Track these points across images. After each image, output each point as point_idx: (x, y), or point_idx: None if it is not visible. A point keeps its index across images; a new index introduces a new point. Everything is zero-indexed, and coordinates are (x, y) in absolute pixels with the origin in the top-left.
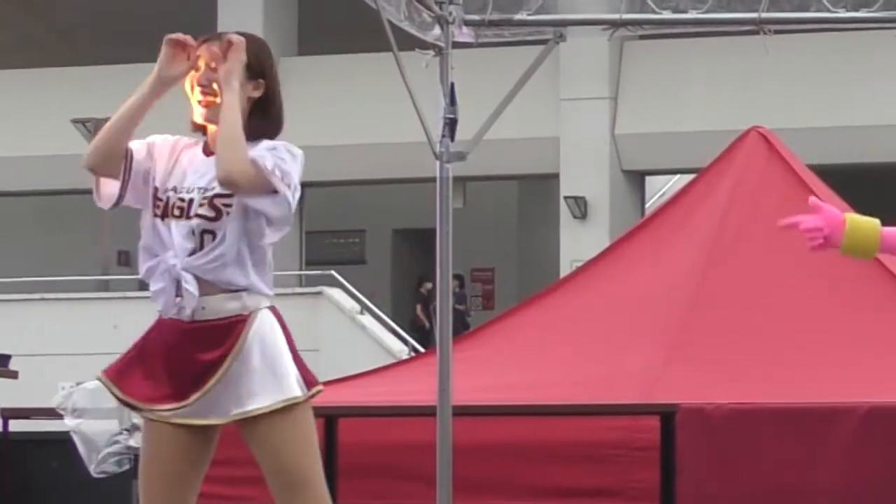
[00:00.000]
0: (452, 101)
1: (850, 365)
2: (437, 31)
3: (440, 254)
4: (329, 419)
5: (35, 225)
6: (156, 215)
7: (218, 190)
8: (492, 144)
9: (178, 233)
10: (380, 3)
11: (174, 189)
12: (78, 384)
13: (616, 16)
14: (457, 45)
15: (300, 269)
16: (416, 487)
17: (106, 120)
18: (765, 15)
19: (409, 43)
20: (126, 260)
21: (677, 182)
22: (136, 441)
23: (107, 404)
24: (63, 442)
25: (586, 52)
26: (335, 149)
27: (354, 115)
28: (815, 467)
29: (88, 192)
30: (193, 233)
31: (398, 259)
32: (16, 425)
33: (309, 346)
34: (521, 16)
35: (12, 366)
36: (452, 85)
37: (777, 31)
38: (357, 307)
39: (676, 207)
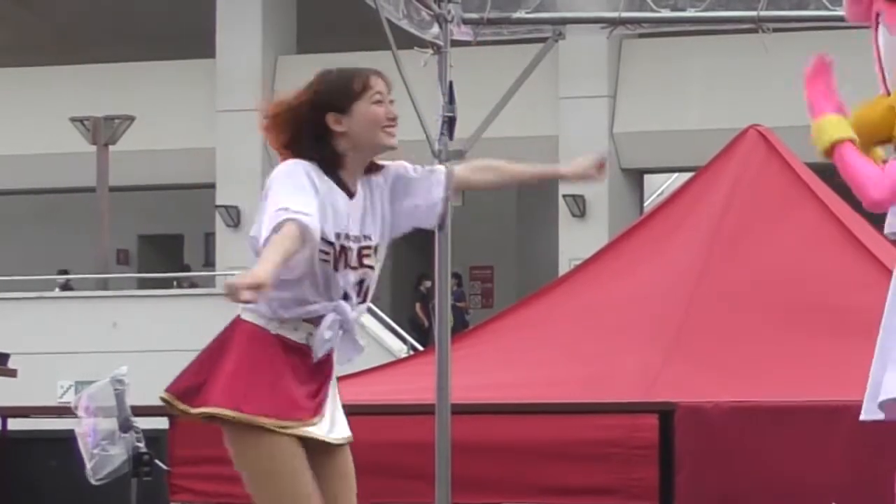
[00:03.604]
0: (451, 99)
1: (848, 363)
2: (435, 29)
3: (439, 252)
4: None
5: (34, 223)
6: (325, 261)
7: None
8: (490, 143)
9: (348, 281)
10: (379, 1)
11: (342, 237)
12: (77, 383)
13: (615, 14)
14: (455, 43)
15: None
16: (416, 486)
17: (106, 119)
18: (763, 13)
19: (408, 41)
20: (125, 258)
21: (676, 180)
22: (137, 441)
23: (105, 406)
24: (62, 441)
25: (585, 51)
26: None
27: None
28: (813, 465)
29: (87, 190)
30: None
31: (397, 257)
32: (15, 424)
33: None
34: (520, 14)
35: (11, 364)
36: (451, 83)
37: (776, 30)
38: None
39: (675, 206)
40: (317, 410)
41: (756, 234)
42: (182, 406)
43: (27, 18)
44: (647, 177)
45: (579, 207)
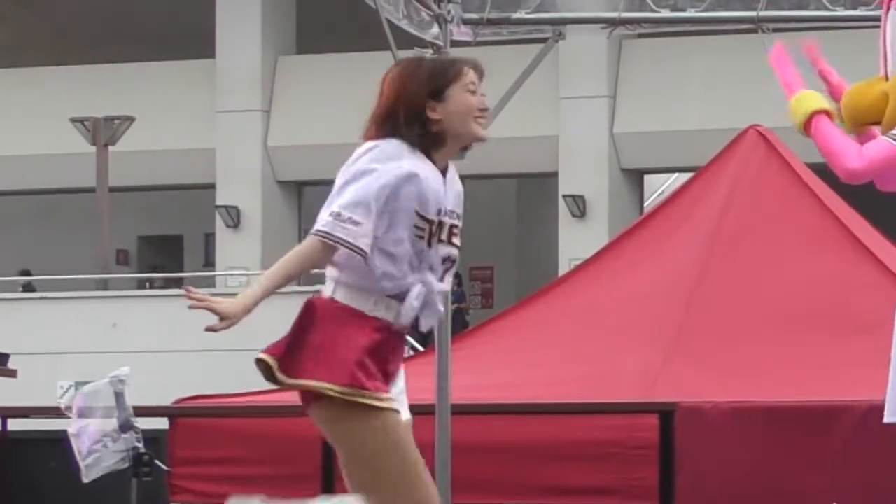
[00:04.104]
0: None
1: (848, 363)
2: (435, 29)
3: None
4: None
5: (33, 224)
6: (420, 237)
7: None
8: (490, 143)
9: (438, 255)
10: (378, 2)
11: (442, 212)
12: (77, 383)
13: (615, 14)
14: (455, 43)
15: None
16: None
17: (105, 119)
18: (763, 13)
19: (408, 42)
20: (125, 259)
21: (676, 180)
22: (137, 441)
23: (103, 407)
24: (62, 441)
25: (585, 51)
26: (333, 147)
27: (353, 114)
28: (813, 466)
29: (87, 190)
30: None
31: None
32: (14, 424)
33: None
34: (520, 14)
35: (11, 365)
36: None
37: (775, 30)
38: None
39: (675, 206)
40: (385, 389)
41: (756, 234)
42: (280, 375)
43: (27, 18)
44: (647, 177)
45: (579, 207)
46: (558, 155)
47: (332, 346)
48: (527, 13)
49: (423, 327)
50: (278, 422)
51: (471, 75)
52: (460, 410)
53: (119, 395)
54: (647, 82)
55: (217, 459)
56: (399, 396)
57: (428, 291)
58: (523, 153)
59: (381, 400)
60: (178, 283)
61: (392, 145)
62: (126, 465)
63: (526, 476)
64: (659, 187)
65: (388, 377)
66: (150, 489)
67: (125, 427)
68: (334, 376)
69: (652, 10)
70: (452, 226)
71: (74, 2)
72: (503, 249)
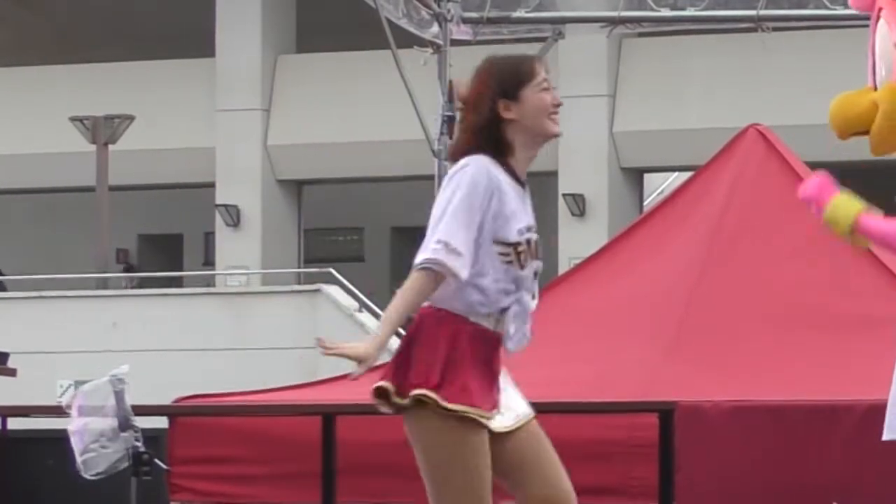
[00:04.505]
0: (450, 98)
1: (849, 362)
2: (435, 28)
3: None
4: (327, 417)
5: (33, 223)
6: (509, 262)
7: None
8: None
9: (530, 273)
10: (378, 1)
11: (522, 231)
12: (77, 382)
13: (614, 13)
14: (455, 42)
15: (299, 267)
16: (415, 485)
17: (105, 118)
18: (763, 12)
19: (408, 40)
20: (125, 258)
21: (676, 179)
22: (137, 440)
23: (103, 405)
24: (61, 440)
25: (585, 50)
26: (333, 146)
27: (353, 113)
28: (814, 465)
29: (87, 189)
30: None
31: (397, 257)
32: (14, 423)
33: (307, 343)
34: (520, 13)
35: (11, 364)
36: (451, 82)
37: (775, 29)
38: (355, 305)
39: (675, 205)
40: (496, 403)
41: (755, 233)
42: (395, 399)
43: (27, 18)
44: (646, 176)
45: (579, 207)
46: (558, 154)
47: (435, 357)
48: (526, 12)
49: (511, 350)
50: (278, 421)
51: (543, 72)
52: None
53: (119, 394)
54: (646, 81)
55: (217, 458)
56: (511, 395)
57: (522, 311)
58: None
59: (479, 414)
60: (178, 282)
61: (480, 167)
62: (125, 464)
63: None
64: (659, 186)
65: (491, 380)
66: (150, 488)
67: (124, 426)
68: (434, 388)
69: (652, 9)
70: (536, 241)
71: (74, 1)
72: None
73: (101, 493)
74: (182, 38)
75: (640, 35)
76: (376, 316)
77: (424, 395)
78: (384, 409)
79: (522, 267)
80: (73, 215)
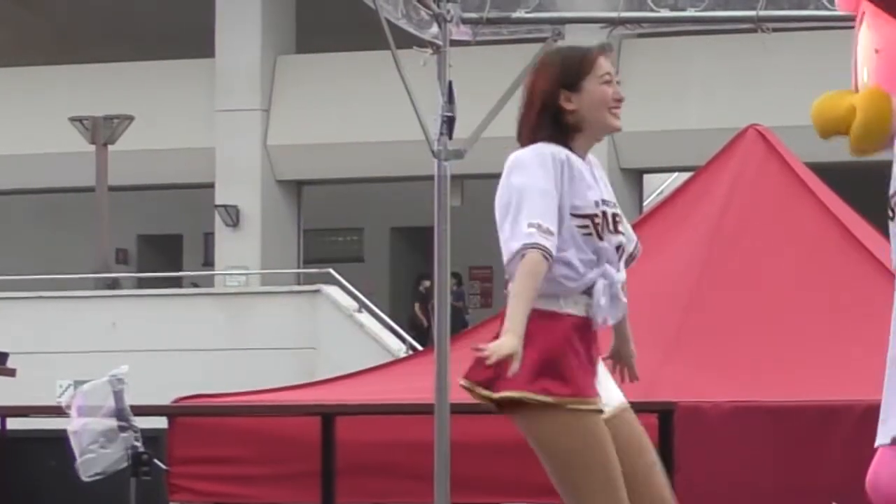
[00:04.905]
0: (450, 99)
1: (848, 363)
2: (434, 29)
3: (438, 252)
4: (326, 417)
5: (33, 223)
6: (588, 234)
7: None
8: (490, 142)
9: (611, 245)
10: (378, 1)
11: (599, 203)
12: (76, 382)
13: (614, 13)
14: (455, 42)
15: (298, 268)
16: (415, 485)
17: (105, 119)
18: (763, 13)
19: (407, 41)
20: (124, 258)
21: (675, 180)
22: (136, 441)
23: (102, 405)
24: (61, 440)
25: None
26: (333, 147)
27: (352, 114)
28: (812, 466)
29: (86, 190)
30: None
31: (396, 257)
32: (14, 423)
33: (307, 343)
34: (519, 13)
35: (10, 364)
36: (450, 83)
37: (775, 29)
38: (355, 305)
39: (674, 205)
40: (595, 390)
41: (755, 233)
42: (483, 392)
43: (26, 18)
44: (646, 176)
45: None
46: None
47: (534, 353)
48: (526, 12)
49: (612, 321)
50: (278, 421)
51: (606, 64)
52: (459, 410)
53: (118, 394)
54: (646, 82)
55: (216, 459)
56: (605, 382)
57: (611, 284)
58: None
59: (583, 402)
60: (177, 282)
61: (540, 150)
62: (125, 464)
63: (525, 476)
64: (658, 187)
65: (588, 370)
66: (149, 488)
67: (124, 426)
68: (535, 384)
69: (651, 10)
70: (614, 214)
71: (74, 1)
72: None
73: (100, 494)
74: (182, 38)
75: (640, 36)
76: (375, 316)
77: (533, 398)
78: (474, 397)
79: (601, 238)
80: (73, 216)
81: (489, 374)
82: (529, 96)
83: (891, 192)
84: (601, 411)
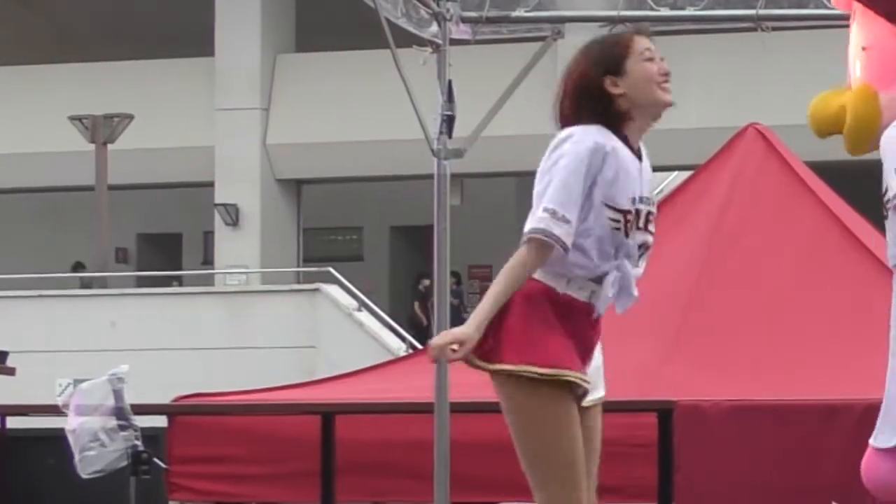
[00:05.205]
0: (450, 97)
1: (848, 362)
2: (434, 27)
3: (438, 251)
4: (326, 416)
5: (33, 222)
6: (616, 229)
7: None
8: (489, 141)
9: (635, 242)
10: (377, 0)
11: (636, 200)
12: (76, 381)
13: (614, 12)
14: (454, 41)
15: (298, 266)
16: (414, 484)
17: (104, 117)
18: (762, 11)
19: (407, 40)
20: (124, 257)
21: (675, 179)
22: (136, 439)
23: (101, 404)
24: (60, 439)
25: None
26: (332, 145)
27: (352, 113)
28: (812, 465)
29: (86, 188)
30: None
31: (396, 256)
32: (13, 422)
33: (306, 342)
34: (519, 12)
35: (10, 363)
36: (450, 82)
37: (775, 28)
38: (355, 304)
39: (674, 204)
40: (583, 366)
41: (755, 232)
42: (479, 362)
43: (26, 17)
44: None
45: None
46: None
47: (525, 326)
48: (526, 11)
49: (619, 310)
50: (277, 420)
51: (644, 42)
52: (459, 409)
53: (117, 393)
54: None
55: (216, 458)
56: (595, 373)
57: (623, 276)
58: (522, 151)
59: (569, 374)
60: (177, 281)
61: (585, 135)
62: (124, 463)
63: (524, 475)
64: (657, 185)
65: (582, 352)
66: (149, 487)
67: (123, 425)
68: (525, 356)
69: (651, 9)
70: (649, 213)
71: (74, 1)
72: (502, 248)
73: (100, 493)
74: (181, 37)
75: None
76: (375, 315)
77: (519, 370)
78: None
79: (628, 235)
80: (73, 214)
81: (486, 345)
82: (567, 85)
83: (882, 190)
84: (582, 386)
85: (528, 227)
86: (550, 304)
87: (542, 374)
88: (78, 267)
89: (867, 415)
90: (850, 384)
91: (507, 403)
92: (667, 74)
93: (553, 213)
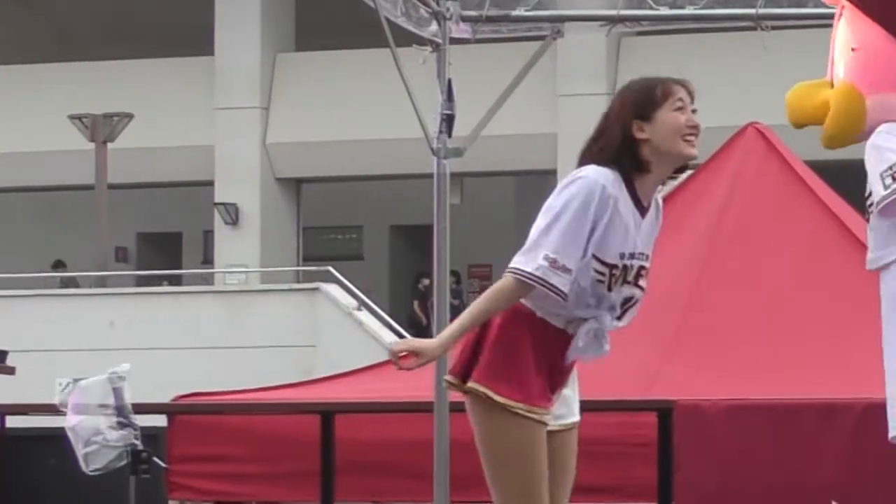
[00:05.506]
0: (450, 96)
1: (847, 361)
2: (434, 27)
3: (437, 250)
4: (326, 415)
5: (33, 221)
6: (600, 282)
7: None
8: (489, 140)
9: (619, 297)
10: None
11: (626, 256)
12: (75, 380)
13: (613, 11)
14: (454, 41)
15: (297, 265)
16: (414, 484)
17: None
18: (762, 11)
19: (407, 39)
20: (124, 256)
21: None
22: (135, 437)
23: (101, 402)
24: (60, 438)
25: (584, 49)
26: (332, 145)
27: (352, 112)
28: (811, 464)
29: (86, 188)
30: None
31: (395, 255)
32: (13, 421)
33: (306, 342)
34: (519, 12)
35: (10, 362)
36: (450, 81)
37: (774, 27)
38: (354, 303)
39: (673, 204)
40: (552, 398)
41: (755, 231)
42: (453, 380)
43: (26, 17)
44: None
45: None
46: (556, 152)
47: (496, 349)
48: (526, 10)
49: (584, 360)
50: (277, 419)
51: (680, 92)
52: (459, 408)
53: (117, 392)
54: None
55: (215, 457)
56: (571, 396)
57: (598, 329)
58: (521, 151)
59: (527, 410)
60: (176, 280)
61: (595, 180)
62: (124, 461)
63: None
64: None
65: (554, 378)
66: (149, 486)
67: (123, 423)
68: (487, 379)
69: (651, 8)
70: (640, 267)
71: (74, 0)
72: (501, 247)
73: (100, 492)
74: (181, 36)
75: (640, 34)
76: (375, 314)
77: (481, 391)
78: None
79: (610, 289)
80: (72, 214)
81: (465, 366)
82: (603, 124)
83: (867, 193)
84: (544, 423)
85: (523, 268)
86: (528, 327)
87: (497, 401)
88: (58, 265)
89: (866, 414)
90: (850, 384)
91: (472, 421)
92: (695, 127)
93: (553, 263)
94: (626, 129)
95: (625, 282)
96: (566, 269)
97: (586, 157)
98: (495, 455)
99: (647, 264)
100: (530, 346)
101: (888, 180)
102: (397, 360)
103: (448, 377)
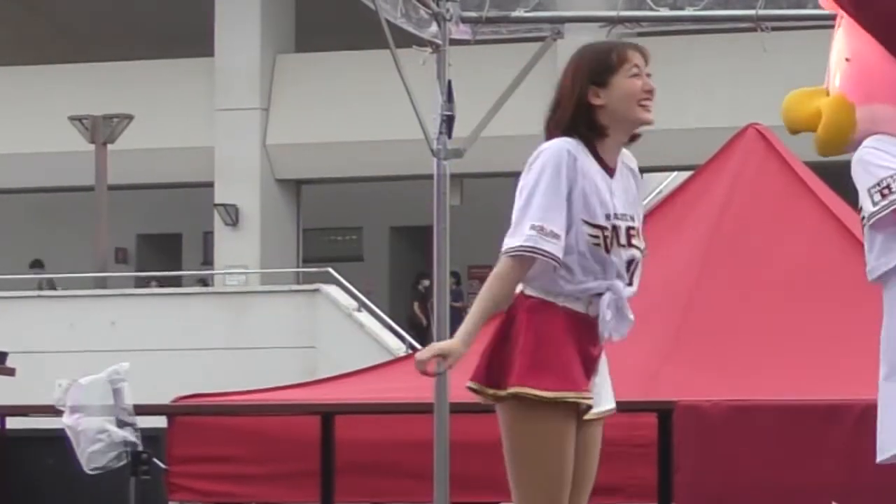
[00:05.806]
0: (450, 98)
1: (848, 362)
2: (434, 28)
3: (437, 251)
4: (326, 416)
5: (33, 222)
6: (596, 245)
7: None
8: (489, 141)
9: (620, 260)
10: (377, 0)
11: (611, 216)
12: (75, 381)
13: (613, 13)
14: (454, 42)
15: (297, 267)
16: (414, 485)
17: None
18: (762, 12)
19: (407, 40)
20: (124, 257)
21: (675, 179)
22: (135, 437)
23: (101, 401)
24: (60, 439)
25: None
26: (332, 146)
27: (352, 113)
28: (812, 465)
29: (86, 189)
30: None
31: (395, 256)
32: (13, 423)
33: (306, 343)
34: (519, 13)
35: (9, 363)
36: (450, 82)
37: (774, 28)
38: (354, 304)
39: (673, 205)
40: (588, 384)
41: (755, 232)
42: (491, 391)
43: (26, 17)
44: (645, 176)
45: None
46: None
47: (536, 346)
48: (525, 12)
49: (617, 337)
50: (277, 420)
51: (636, 58)
52: (459, 409)
53: (117, 391)
54: None
55: (216, 458)
56: (601, 384)
57: (617, 298)
58: (521, 151)
59: (583, 398)
60: (176, 281)
61: (560, 148)
62: (123, 461)
63: None
64: (657, 186)
65: (588, 364)
66: (149, 488)
67: (123, 423)
68: (529, 378)
69: (651, 9)
70: (629, 228)
71: (74, 1)
72: (501, 248)
73: (99, 493)
74: (181, 37)
75: (639, 35)
76: (375, 315)
77: (527, 393)
78: (482, 400)
79: (609, 251)
80: (72, 215)
81: (496, 373)
82: (559, 93)
83: (858, 207)
84: (589, 406)
85: (512, 243)
86: (554, 318)
87: (541, 398)
88: (35, 265)
89: (866, 415)
90: (850, 384)
91: (505, 425)
92: (650, 92)
93: (541, 230)
94: (582, 96)
95: (619, 244)
96: (555, 235)
97: (548, 131)
98: (532, 456)
99: (635, 224)
100: (562, 332)
101: (876, 196)
102: (425, 367)
103: (472, 384)
